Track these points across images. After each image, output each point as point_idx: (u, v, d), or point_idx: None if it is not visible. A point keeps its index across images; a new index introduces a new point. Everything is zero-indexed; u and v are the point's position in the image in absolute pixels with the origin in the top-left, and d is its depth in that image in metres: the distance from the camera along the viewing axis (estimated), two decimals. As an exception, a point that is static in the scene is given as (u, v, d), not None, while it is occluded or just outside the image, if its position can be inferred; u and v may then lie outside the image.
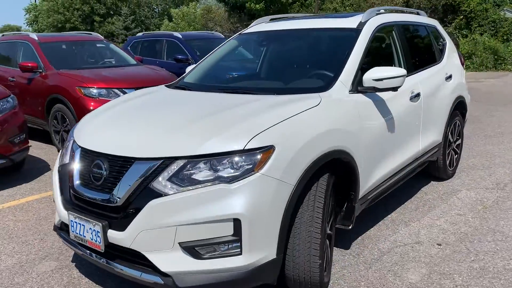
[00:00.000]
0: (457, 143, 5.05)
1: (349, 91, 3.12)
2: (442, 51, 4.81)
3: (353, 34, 3.49)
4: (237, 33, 4.39)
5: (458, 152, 5.13)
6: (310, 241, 2.54)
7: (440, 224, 3.83)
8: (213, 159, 2.34)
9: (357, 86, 3.19)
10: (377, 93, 3.32)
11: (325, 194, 2.65)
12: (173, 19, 37.49)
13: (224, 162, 2.34)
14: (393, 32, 3.94)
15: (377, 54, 3.79)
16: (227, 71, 3.97)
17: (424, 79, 4.10)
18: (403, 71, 3.18)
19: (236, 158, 2.34)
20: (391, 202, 4.30)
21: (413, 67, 4.03)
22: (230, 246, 2.32)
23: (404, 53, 3.94)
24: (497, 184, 4.79)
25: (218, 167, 2.34)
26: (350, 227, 3.20)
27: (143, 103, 3.29)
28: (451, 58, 4.89)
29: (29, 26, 50.37)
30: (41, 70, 6.73)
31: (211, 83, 3.69)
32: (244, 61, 4.61)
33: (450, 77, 4.64)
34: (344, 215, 3.19)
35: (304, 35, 3.86)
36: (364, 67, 3.31)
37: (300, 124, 2.59)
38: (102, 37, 8.17)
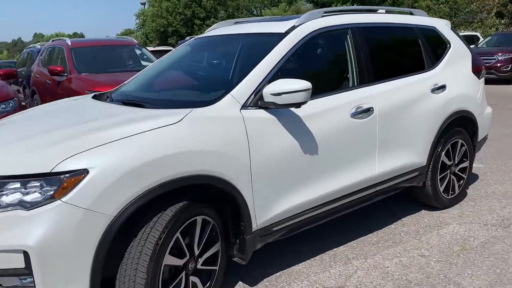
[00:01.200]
0: (460, 166, 4.22)
1: (242, 106, 2.69)
2: (438, 57, 4.04)
3: (274, 40, 3.03)
4: (192, 38, 4.11)
5: (464, 176, 4.28)
6: (134, 280, 2.21)
7: (388, 266, 3.18)
8: (22, 180, 2.13)
9: (259, 101, 2.75)
10: (292, 109, 2.85)
11: (167, 227, 2.29)
12: (265, 21, 37.83)
13: (32, 185, 2.12)
14: (345, 36, 3.36)
15: (311, 63, 3.27)
16: (155, 79, 3.70)
17: (387, 92, 3.45)
18: (307, 84, 2.67)
19: (42, 182, 2.10)
20: (353, 232, 3.71)
21: (371, 77, 3.40)
22: (24, 280, 2.09)
23: (358, 61, 3.34)
24: (503, 220, 3.90)
25: (27, 190, 2.12)
26: (244, 263, 2.78)
27: (35, 114, 3.18)
28: (452, 65, 4.09)
29: (138, 30, 54.49)
30: (66, 74, 7.07)
31: (126, 93, 3.46)
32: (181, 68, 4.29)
33: (442, 87, 3.87)
34: (238, 247, 2.78)
35: (235, 41, 3.47)
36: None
37: (138, 145, 2.26)
38: (136, 42, 8.36)
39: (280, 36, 3.06)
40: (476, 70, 4.34)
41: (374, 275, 3.07)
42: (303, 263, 3.27)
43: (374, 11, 3.95)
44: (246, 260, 2.77)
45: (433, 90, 3.80)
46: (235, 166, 2.55)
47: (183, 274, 2.50)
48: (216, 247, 2.68)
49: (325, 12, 3.38)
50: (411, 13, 4.20)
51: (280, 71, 2.94)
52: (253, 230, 2.73)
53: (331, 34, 3.33)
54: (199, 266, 2.57)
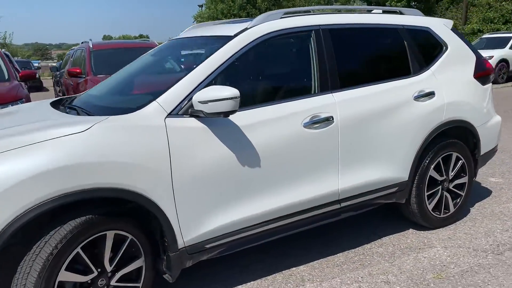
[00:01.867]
0: (456, 182, 3.79)
1: (169, 114, 2.52)
2: (430, 61, 3.63)
3: (220, 44, 2.84)
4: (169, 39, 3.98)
5: (461, 194, 3.84)
6: (23, 296, 2.11)
7: (341, 293, 2.89)
8: None
9: (189, 108, 2.57)
10: (231, 118, 2.64)
11: (61, 241, 2.17)
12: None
13: None
14: (307, 39, 3.09)
15: (261, 68, 3.03)
16: (112, 84, 3.58)
17: (354, 99, 3.13)
18: (234, 92, 2.45)
19: None
20: (321, 250, 3.43)
21: (336, 84, 3.10)
22: None
23: (320, 67, 3.06)
24: (499, 245, 3.44)
25: None
26: (171, 281, 2.62)
27: None
28: (447, 70, 3.67)
29: (196, 32, 55.75)
30: (84, 75, 7.23)
31: (81, 98, 3.38)
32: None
33: (429, 94, 3.48)
34: (166, 264, 2.62)
35: (191, 44, 3.29)
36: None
37: (35, 154, 2.15)
38: (157, 44, 8.40)
39: (227, 39, 2.86)
40: (480, 75, 3.88)
41: (322, 302, 2.80)
42: (252, 282, 3.05)
43: (352, 11, 3.62)
44: (173, 278, 2.60)
45: (417, 98, 3.42)
46: (151, 179, 2.39)
47: (92, 291, 2.37)
48: (137, 263, 2.53)
49: (286, 13, 3.12)
50: (401, 13, 3.82)
51: (223, 77, 2.75)
52: (179, 248, 2.56)
53: (289, 37, 3.08)
54: (113, 283, 2.44)
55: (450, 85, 3.64)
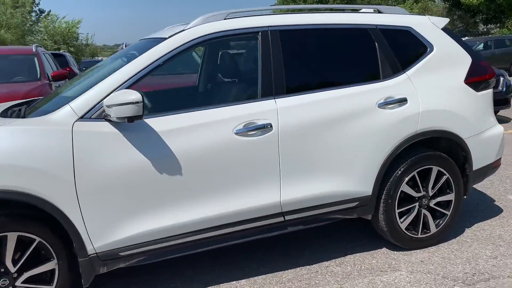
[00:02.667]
0: (438, 199, 3.39)
1: (80, 118, 2.50)
2: (407, 64, 3.27)
3: (152, 46, 2.76)
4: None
5: (446, 213, 3.43)
6: None
7: (269, 313, 2.69)
8: None
9: (103, 113, 2.53)
10: (149, 123, 2.57)
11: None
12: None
13: None
14: (251, 41, 2.93)
15: (193, 72, 2.89)
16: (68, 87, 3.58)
17: (301, 105, 2.89)
18: (136, 97, 2.36)
19: None
20: (275, 263, 3.24)
21: (281, 89, 2.89)
22: None
23: (264, 71, 2.87)
24: (475, 274, 3.02)
25: None
26: (85, 286, 2.60)
27: None
28: (429, 74, 3.28)
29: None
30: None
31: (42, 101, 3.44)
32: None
33: (399, 101, 3.13)
34: (80, 268, 2.60)
35: (140, 46, 3.22)
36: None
37: None
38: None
39: (160, 41, 2.78)
40: (474, 80, 3.43)
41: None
42: (186, 293, 2.95)
43: (317, 10, 3.35)
44: (85, 283, 2.58)
45: (382, 105, 3.09)
46: (54, 185, 2.38)
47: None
48: (49, 265, 2.54)
49: (230, 14, 2.96)
50: (379, 11, 3.48)
51: (148, 80, 2.68)
52: (88, 254, 2.53)
53: (232, 39, 2.94)
54: (19, 284, 2.46)
55: (430, 91, 3.26)
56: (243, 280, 3.06)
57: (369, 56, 3.23)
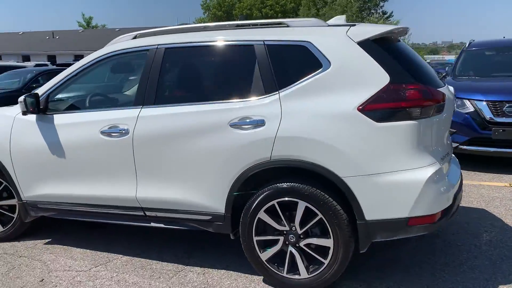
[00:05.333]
0: (309, 241, 2.93)
1: (22, 112, 3.69)
2: (287, 83, 2.92)
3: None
4: None
5: (324, 261, 2.89)
6: None
7: None
8: None
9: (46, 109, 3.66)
10: (53, 116, 3.59)
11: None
12: None
13: None
14: (143, 58, 3.38)
15: (96, 81, 3.56)
16: None
17: (158, 116, 3.20)
18: (21, 98, 3.43)
19: None
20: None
21: (150, 100, 3.25)
22: None
23: (141, 83, 3.32)
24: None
25: None
26: (25, 220, 3.89)
27: None
28: (308, 95, 2.84)
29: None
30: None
31: None
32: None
33: (256, 123, 2.91)
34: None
35: None
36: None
37: None
38: None
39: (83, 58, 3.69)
40: (375, 108, 2.73)
41: None
42: None
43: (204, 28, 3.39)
44: (24, 219, 3.86)
45: (235, 125, 2.98)
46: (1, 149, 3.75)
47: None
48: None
49: (139, 34, 3.52)
50: (287, 25, 3.16)
51: (62, 87, 3.67)
52: (22, 199, 3.80)
53: (130, 56, 3.50)
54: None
55: (299, 115, 2.86)
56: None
57: (245, 74, 3.12)
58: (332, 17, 3.43)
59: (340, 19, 3.40)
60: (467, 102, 5.89)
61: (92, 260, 3.61)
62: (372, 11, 45.27)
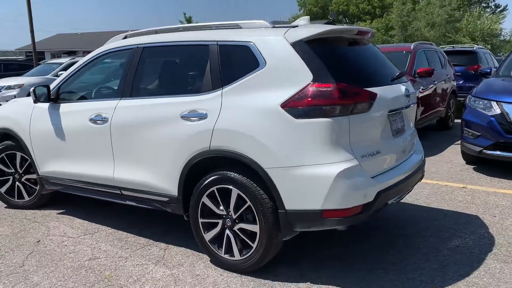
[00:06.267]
0: (241, 226, 3.19)
1: (33, 100, 4.38)
2: (230, 80, 3.18)
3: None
4: None
5: (252, 245, 3.14)
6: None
7: None
8: None
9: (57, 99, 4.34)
10: (59, 105, 4.23)
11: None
12: None
13: None
14: (124, 56, 3.87)
15: (94, 75, 4.09)
16: None
17: (130, 107, 3.66)
18: (32, 89, 4.08)
19: None
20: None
21: (127, 92, 3.72)
22: None
23: (122, 78, 3.80)
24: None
25: None
26: (41, 192, 4.62)
27: None
28: (246, 92, 3.08)
29: None
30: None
31: None
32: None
33: (200, 116, 3.22)
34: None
35: None
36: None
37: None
38: None
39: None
40: (295, 105, 2.91)
41: None
42: None
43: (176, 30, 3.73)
44: (41, 191, 4.58)
45: (185, 117, 3.32)
46: (22, 129, 4.47)
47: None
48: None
49: (129, 34, 4.00)
50: (240, 27, 3.40)
51: (71, 80, 4.29)
52: (39, 174, 4.51)
53: (118, 54, 4.00)
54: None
55: (234, 110, 3.12)
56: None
57: (199, 71, 3.43)
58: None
59: (304, 19, 3.56)
60: (494, 104, 5.55)
61: (84, 229, 4.20)
62: (483, 4, 42.03)
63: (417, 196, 4.86)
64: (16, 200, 4.83)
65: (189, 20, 59.07)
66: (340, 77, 2.96)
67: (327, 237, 3.73)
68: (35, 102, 4.32)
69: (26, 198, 4.81)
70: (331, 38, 3.23)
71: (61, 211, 4.73)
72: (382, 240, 3.77)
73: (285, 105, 2.92)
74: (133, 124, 3.63)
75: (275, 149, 2.94)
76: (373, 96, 3.04)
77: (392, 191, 3.15)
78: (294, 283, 3.12)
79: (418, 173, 3.63)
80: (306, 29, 3.16)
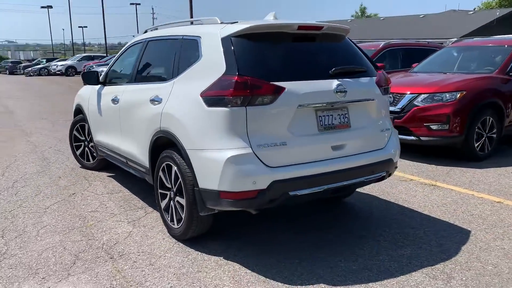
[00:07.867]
0: (178, 198, 3.66)
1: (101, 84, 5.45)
2: (181, 70, 3.67)
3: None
4: None
5: (182, 216, 3.60)
6: None
7: None
8: None
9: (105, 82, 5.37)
10: (104, 87, 5.24)
11: None
12: None
13: None
14: (140, 47, 4.61)
15: (129, 62, 4.89)
16: None
17: (131, 91, 4.43)
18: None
19: None
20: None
21: (134, 78, 4.51)
22: None
23: (134, 67, 4.59)
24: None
25: None
26: (98, 157, 5.76)
27: None
28: (187, 81, 3.54)
29: None
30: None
31: None
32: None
33: (158, 101, 3.77)
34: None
35: None
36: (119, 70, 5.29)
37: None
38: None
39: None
40: (209, 95, 3.25)
41: None
42: None
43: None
44: (97, 157, 5.71)
45: (151, 101, 3.90)
46: (86, 106, 5.63)
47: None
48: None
49: (149, 29, 4.76)
50: (202, 23, 3.79)
51: (117, 64, 5.24)
52: (94, 143, 5.63)
53: (135, 46, 4.79)
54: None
55: (176, 97, 3.61)
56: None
57: (169, 62, 3.95)
58: None
59: (270, 15, 3.80)
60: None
61: (111, 190, 5.16)
62: None
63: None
64: (85, 162, 6.09)
65: (363, 11, 58.33)
66: (251, 70, 3.16)
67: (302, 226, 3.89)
68: (84, 84, 5.45)
69: (91, 161, 6.02)
70: (264, 33, 3.39)
71: (112, 174, 5.80)
72: (331, 233, 3.74)
73: (203, 94, 3.28)
74: (128, 105, 4.39)
75: (192, 133, 3.33)
76: (279, 89, 3.15)
77: (298, 182, 3.20)
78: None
79: (364, 170, 3.52)
80: (239, 25, 3.40)
